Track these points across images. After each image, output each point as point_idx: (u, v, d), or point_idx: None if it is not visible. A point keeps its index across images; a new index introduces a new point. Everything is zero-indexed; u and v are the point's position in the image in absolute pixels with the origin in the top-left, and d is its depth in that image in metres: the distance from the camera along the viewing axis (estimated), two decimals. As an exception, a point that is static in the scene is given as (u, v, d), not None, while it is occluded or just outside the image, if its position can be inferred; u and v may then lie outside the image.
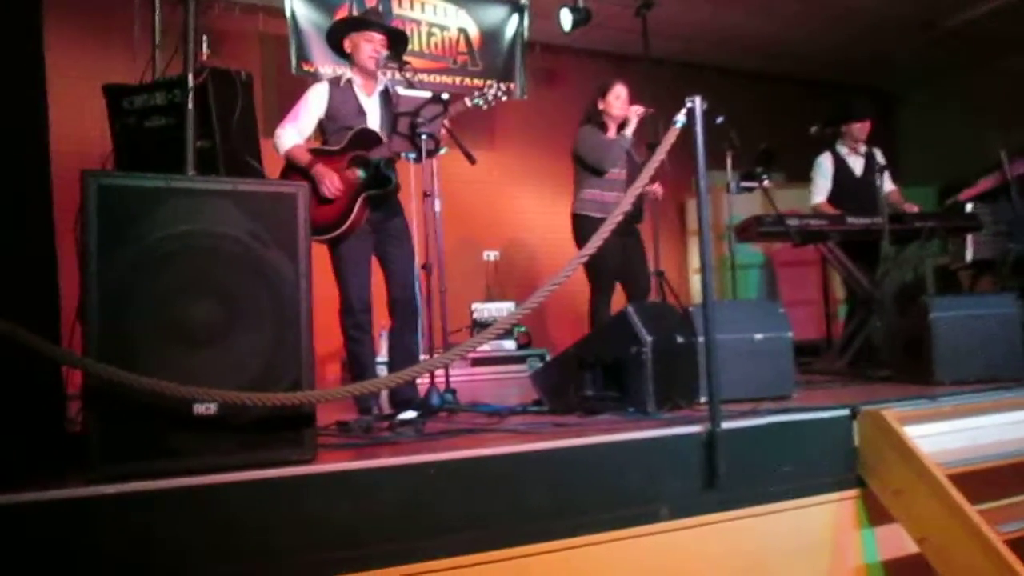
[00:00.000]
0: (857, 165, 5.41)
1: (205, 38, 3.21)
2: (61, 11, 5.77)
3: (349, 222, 3.57)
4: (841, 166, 5.39)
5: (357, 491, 2.16)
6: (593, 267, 4.38)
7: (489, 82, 3.88)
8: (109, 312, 2.04)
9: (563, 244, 4.88)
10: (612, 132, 4.74)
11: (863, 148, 5.40)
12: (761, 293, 7.70)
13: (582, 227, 4.71)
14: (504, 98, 3.86)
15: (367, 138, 3.65)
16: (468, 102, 3.81)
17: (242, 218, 2.21)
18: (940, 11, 7.33)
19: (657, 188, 4.91)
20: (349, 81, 3.81)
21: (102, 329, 2.03)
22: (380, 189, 3.61)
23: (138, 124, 3.01)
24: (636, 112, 4.66)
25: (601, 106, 4.75)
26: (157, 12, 3.52)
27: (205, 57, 3.20)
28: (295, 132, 3.70)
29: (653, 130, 5.10)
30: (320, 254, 3.48)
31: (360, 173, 3.60)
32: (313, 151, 3.68)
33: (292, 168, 3.65)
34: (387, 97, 3.85)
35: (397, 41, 3.96)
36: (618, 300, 4.69)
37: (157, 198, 2.13)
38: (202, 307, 2.15)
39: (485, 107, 3.87)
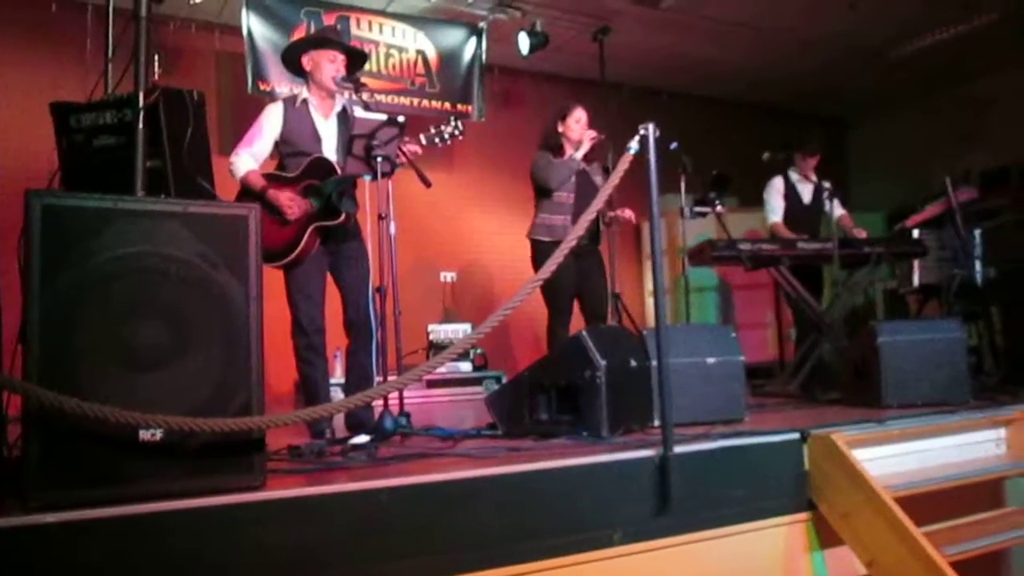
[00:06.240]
0: (806, 193, 5.56)
1: (157, 56, 3.16)
2: (10, 25, 5.68)
3: (297, 251, 3.54)
4: (791, 192, 5.52)
5: (308, 517, 2.13)
6: (548, 289, 4.43)
7: (444, 122, 3.86)
8: (52, 335, 2.00)
9: (520, 265, 4.89)
10: (567, 155, 4.76)
11: (813, 177, 5.53)
12: (716, 316, 7.78)
13: (534, 250, 4.77)
14: (460, 136, 3.87)
15: (322, 167, 3.61)
16: (423, 139, 3.82)
17: (192, 240, 2.18)
18: (890, 41, 7.52)
19: (629, 214, 4.92)
20: (305, 102, 3.76)
21: (44, 352, 1.98)
22: (330, 220, 3.58)
23: (86, 143, 2.93)
24: (589, 136, 4.69)
25: (560, 129, 4.78)
26: (111, 28, 3.46)
27: (157, 75, 3.15)
28: (250, 157, 3.66)
29: (610, 156, 5.15)
30: (273, 273, 3.45)
31: (313, 203, 3.57)
32: (268, 176, 3.64)
33: (248, 194, 3.59)
34: (345, 118, 3.78)
35: (356, 62, 3.95)
36: (578, 322, 4.71)
37: (104, 219, 2.09)
38: (149, 330, 2.11)
39: (440, 145, 3.87)
